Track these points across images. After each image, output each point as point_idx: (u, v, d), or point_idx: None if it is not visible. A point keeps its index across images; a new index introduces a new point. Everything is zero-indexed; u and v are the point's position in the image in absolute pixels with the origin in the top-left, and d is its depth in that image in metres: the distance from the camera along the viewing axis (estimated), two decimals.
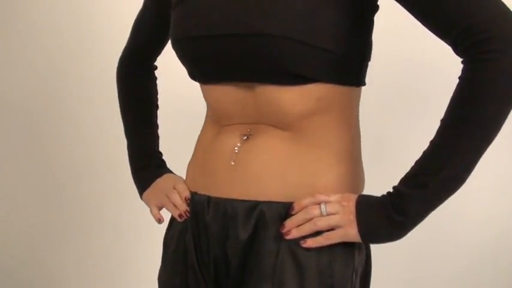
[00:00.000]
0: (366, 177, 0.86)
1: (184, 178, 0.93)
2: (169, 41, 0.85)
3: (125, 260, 1.97)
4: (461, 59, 0.67)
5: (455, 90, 0.67)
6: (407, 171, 0.71)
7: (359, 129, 0.84)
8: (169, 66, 1.10)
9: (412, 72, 1.70)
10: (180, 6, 0.81)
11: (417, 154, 0.71)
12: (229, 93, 0.80)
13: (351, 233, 0.73)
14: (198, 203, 0.84)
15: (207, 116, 0.91)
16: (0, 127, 1.94)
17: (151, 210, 0.96)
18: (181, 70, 0.87)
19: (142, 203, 1.00)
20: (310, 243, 0.74)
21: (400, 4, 0.70)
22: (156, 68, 1.09)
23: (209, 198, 0.82)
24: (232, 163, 0.79)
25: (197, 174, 0.88)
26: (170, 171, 1.01)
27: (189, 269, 0.85)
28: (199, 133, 0.92)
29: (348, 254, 0.76)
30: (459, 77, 0.67)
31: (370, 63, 0.82)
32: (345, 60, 0.75)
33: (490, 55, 0.63)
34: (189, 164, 0.92)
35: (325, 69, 0.74)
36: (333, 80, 0.75)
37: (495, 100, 0.64)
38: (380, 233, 0.72)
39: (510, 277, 1.85)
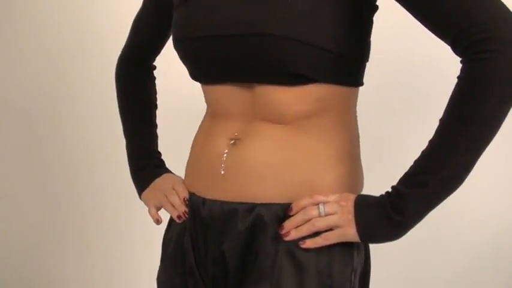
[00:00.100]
0: (365, 177, 0.86)
1: (183, 178, 0.93)
2: (169, 41, 0.85)
3: (124, 260, 1.97)
4: (460, 59, 0.67)
5: (454, 89, 0.67)
6: (406, 171, 0.71)
7: (357, 129, 0.84)
8: (168, 65, 1.10)
9: (411, 72, 1.70)
10: (183, 6, 0.81)
11: (416, 154, 0.71)
12: (229, 94, 0.80)
13: (349, 232, 0.73)
14: (195, 204, 0.84)
15: (204, 116, 0.91)
16: None
17: (149, 210, 0.96)
18: (181, 70, 0.87)
19: (142, 203, 1.00)
20: (309, 243, 0.74)
21: (400, 4, 0.70)
22: (155, 67, 1.09)
23: (204, 200, 0.82)
24: (222, 172, 0.79)
25: (193, 176, 0.88)
26: (169, 171, 1.01)
27: (188, 270, 0.85)
28: None
29: (347, 254, 0.76)
30: (458, 77, 0.67)
31: (369, 63, 0.82)
32: (344, 60, 0.75)
33: (489, 54, 0.63)
34: (186, 164, 0.92)
35: (324, 69, 0.74)
36: (332, 80, 0.75)
37: (494, 99, 0.64)
38: (379, 233, 0.72)
39: (510, 276, 1.85)
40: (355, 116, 0.84)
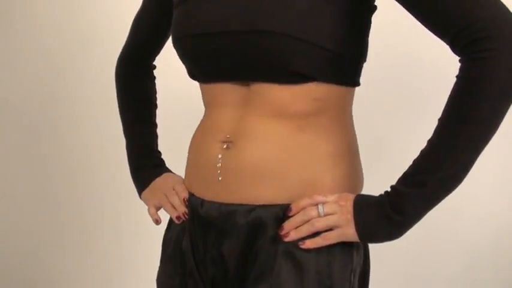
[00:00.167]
0: (364, 177, 0.86)
1: (183, 177, 0.93)
2: (169, 41, 0.85)
3: (124, 260, 1.97)
4: (459, 58, 0.67)
5: (453, 89, 0.67)
6: (405, 171, 0.71)
7: (354, 129, 0.84)
8: (168, 65, 1.10)
9: (411, 72, 1.70)
10: (182, 5, 0.81)
11: (416, 154, 0.71)
12: (227, 93, 0.79)
13: (348, 232, 0.73)
14: (194, 205, 0.84)
15: (203, 116, 0.91)
16: None
17: (149, 210, 0.96)
18: (181, 69, 0.87)
19: (142, 203, 1.00)
20: (309, 244, 0.74)
21: (399, 3, 0.70)
22: (155, 67, 1.09)
23: (203, 202, 0.82)
24: (220, 178, 0.78)
25: (191, 178, 0.87)
26: (169, 171, 1.01)
27: (188, 271, 0.85)
28: None
29: (347, 254, 0.76)
30: (456, 76, 0.67)
31: (369, 63, 0.82)
32: (342, 59, 0.75)
33: (488, 54, 0.63)
34: (186, 164, 0.92)
35: (323, 67, 0.74)
36: (330, 79, 0.75)
37: (492, 98, 0.64)
38: (378, 233, 0.72)
39: (509, 275, 1.85)
40: (351, 116, 0.84)
